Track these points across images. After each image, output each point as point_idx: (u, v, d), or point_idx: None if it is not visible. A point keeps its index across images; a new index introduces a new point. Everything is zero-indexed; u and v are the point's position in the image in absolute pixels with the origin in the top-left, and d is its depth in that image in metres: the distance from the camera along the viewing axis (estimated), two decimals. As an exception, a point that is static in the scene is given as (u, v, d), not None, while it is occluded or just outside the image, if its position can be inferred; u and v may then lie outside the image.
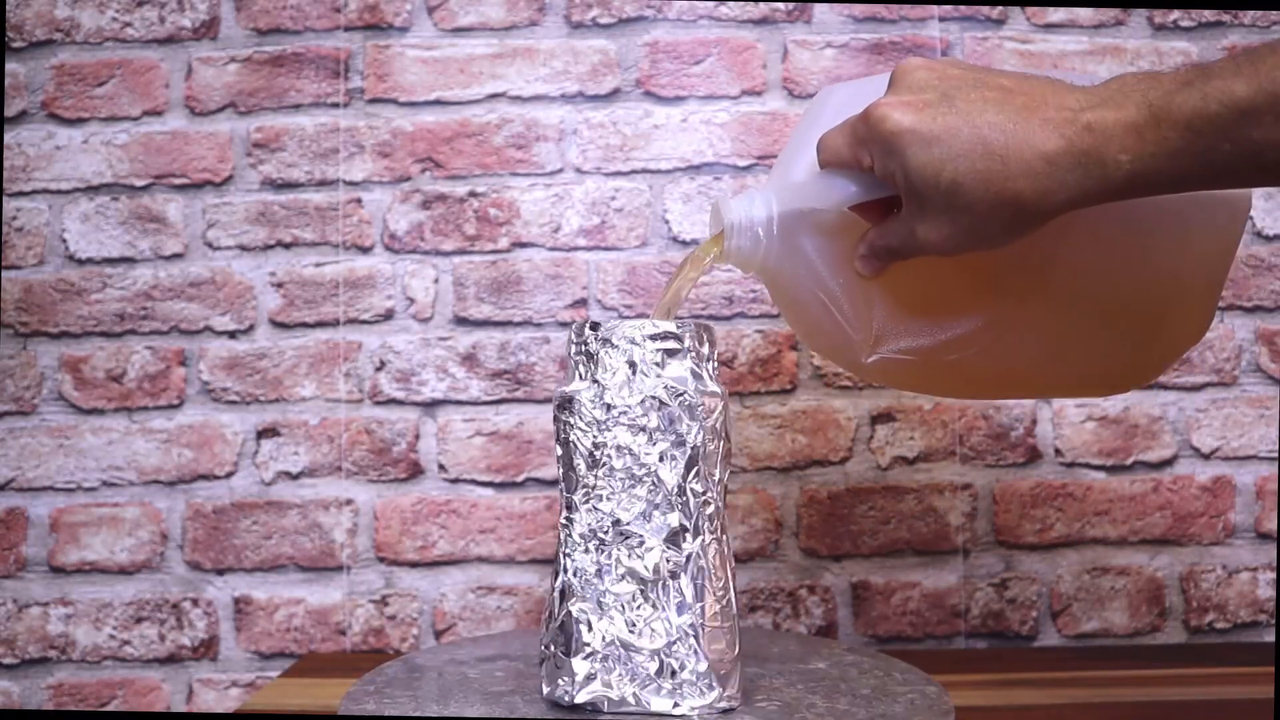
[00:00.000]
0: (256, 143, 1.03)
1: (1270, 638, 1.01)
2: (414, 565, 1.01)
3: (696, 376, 0.65)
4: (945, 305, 0.65)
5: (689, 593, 0.64)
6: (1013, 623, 1.01)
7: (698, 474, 0.64)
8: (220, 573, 1.01)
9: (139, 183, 1.03)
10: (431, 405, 1.02)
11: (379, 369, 1.02)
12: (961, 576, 1.01)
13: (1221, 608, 1.02)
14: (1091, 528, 1.02)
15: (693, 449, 0.64)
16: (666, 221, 1.03)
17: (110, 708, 1.00)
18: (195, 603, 1.01)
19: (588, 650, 0.64)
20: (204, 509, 1.01)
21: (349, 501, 1.02)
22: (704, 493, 0.65)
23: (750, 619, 1.01)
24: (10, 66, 1.03)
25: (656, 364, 0.65)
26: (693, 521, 0.64)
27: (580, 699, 0.65)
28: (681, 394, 0.64)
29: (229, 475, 1.02)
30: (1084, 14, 1.03)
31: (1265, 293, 1.03)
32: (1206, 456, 1.02)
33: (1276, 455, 1.02)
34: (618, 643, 0.64)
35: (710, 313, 1.02)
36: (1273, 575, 1.02)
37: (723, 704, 0.65)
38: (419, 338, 1.02)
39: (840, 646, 0.84)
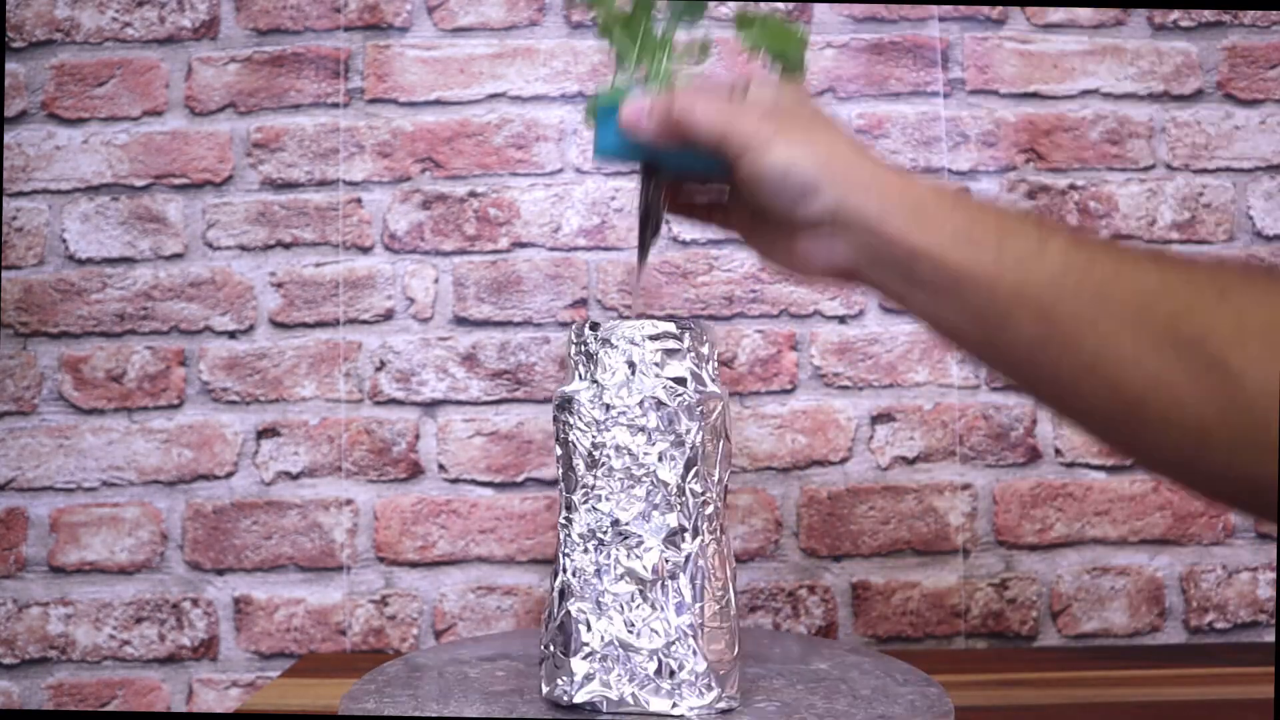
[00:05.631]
0: (256, 143, 1.03)
1: (1270, 638, 1.01)
2: (414, 565, 1.01)
3: (696, 377, 0.65)
4: None
5: (688, 593, 0.64)
6: (1013, 623, 1.01)
7: (697, 474, 0.64)
8: (220, 573, 1.01)
9: (139, 183, 1.03)
10: (431, 405, 1.02)
11: (379, 369, 1.02)
12: (961, 576, 1.01)
13: (1221, 608, 1.02)
14: (1091, 528, 1.02)
15: (692, 449, 0.64)
16: (667, 221, 1.02)
17: (110, 708, 1.00)
18: (195, 603, 1.01)
19: (586, 650, 0.64)
20: (204, 509, 1.02)
21: (349, 501, 1.02)
22: (703, 493, 0.65)
23: (750, 619, 1.01)
24: (10, 66, 1.03)
25: (656, 364, 0.65)
26: (691, 522, 0.64)
27: (579, 699, 0.65)
28: (680, 394, 0.64)
29: (229, 475, 1.02)
30: (1084, 14, 1.03)
31: (1265, 293, 1.03)
32: (1207, 456, 1.02)
33: (1276, 455, 1.02)
34: (616, 643, 0.64)
35: (710, 313, 1.02)
36: (1273, 575, 1.02)
37: (721, 704, 0.64)
38: (419, 338, 1.02)
39: (840, 647, 0.84)
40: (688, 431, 0.64)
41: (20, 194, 1.02)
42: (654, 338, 0.65)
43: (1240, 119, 1.03)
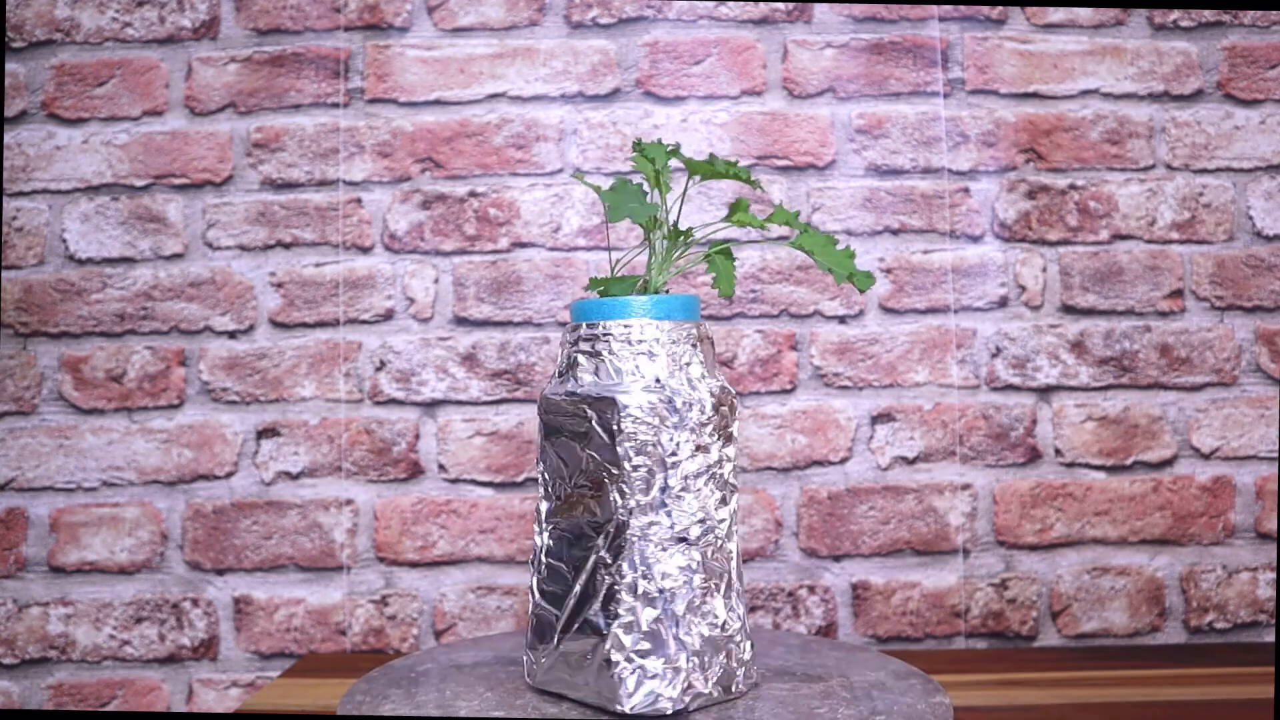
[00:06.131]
0: (256, 143, 1.03)
1: (1270, 638, 1.01)
2: (414, 565, 1.01)
3: (691, 376, 0.65)
4: None
5: (685, 593, 0.64)
6: (1013, 623, 1.01)
7: (695, 474, 0.64)
8: (220, 573, 1.01)
9: (139, 183, 1.03)
10: (431, 405, 1.02)
11: (379, 369, 1.02)
12: (961, 576, 1.01)
13: (1221, 608, 1.02)
14: (1091, 528, 1.02)
15: (687, 449, 0.64)
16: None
17: (110, 708, 1.00)
18: (195, 603, 1.01)
19: (559, 640, 0.65)
20: (204, 509, 1.02)
21: (349, 501, 1.02)
22: (701, 493, 0.65)
23: (750, 619, 1.01)
24: (10, 66, 1.03)
25: (646, 366, 0.65)
26: (689, 522, 0.64)
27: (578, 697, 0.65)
28: (677, 394, 0.64)
29: (229, 475, 1.02)
30: (1084, 14, 1.03)
31: (1265, 293, 1.03)
32: (1206, 456, 1.02)
33: (1276, 455, 1.02)
34: (611, 638, 0.64)
35: (710, 313, 1.02)
36: (1273, 575, 1.02)
37: (719, 701, 0.65)
38: (419, 338, 1.02)
39: (840, 647, 0.84)
40: (684, 431, 0.64)
41: (20, 194, 1.02)
42: (643, 340, 0.65)
43: (1240, 119, 1.03)
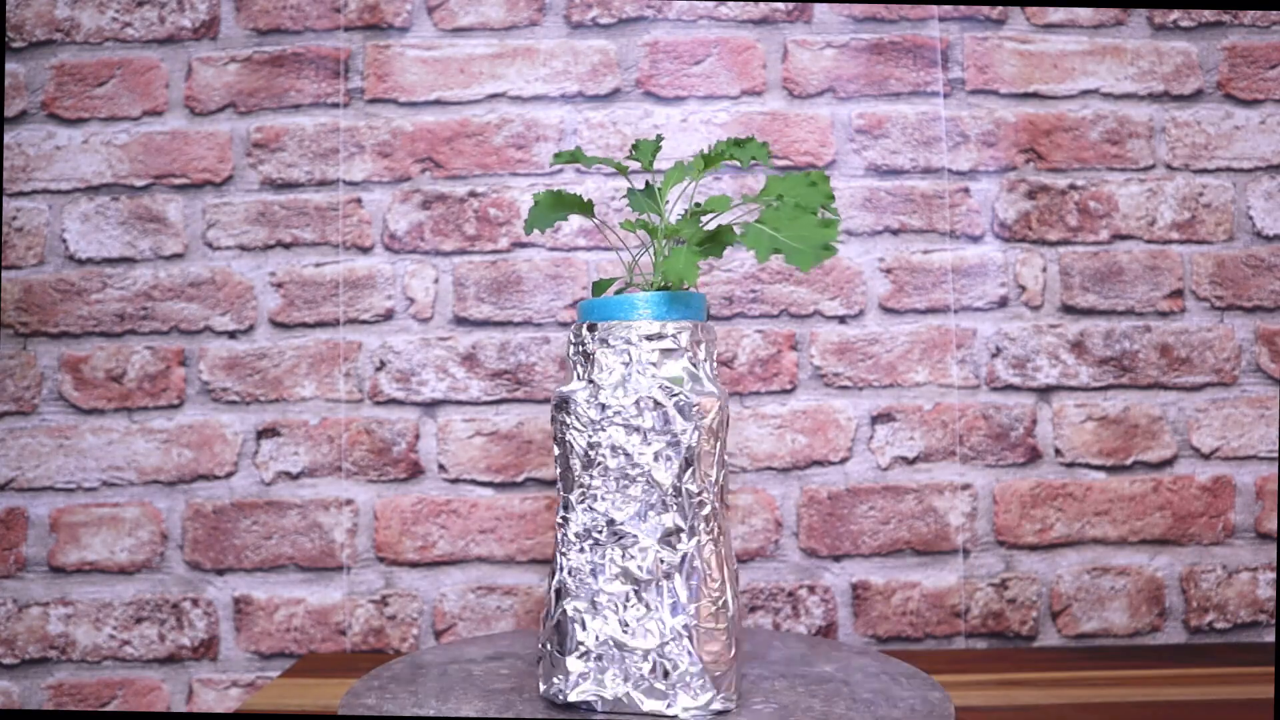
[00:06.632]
0: (256, 143, 1.03)
1: (1270, 638, 1.01)
2: (414, 565, 1.01)
3: (693, 377, 0.65)
4: None
5: (683, 594, 0.64)
6: (1013, 623, 1.01)
7: (693, 474, 0.64)
8: (220, 573, 1.01)
9: (139, 183, 1.03)
10: (431, 405, 1.02)
11: (379, 369, 1.02)
12: (961, 576, 1.01)
13: (1221, 608, 1.02)
14: (1091, 528, 1.02)
15: (688, 449, 0.64)
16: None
17: (110, 708, 1.01)
18: (195, 603, 1.01)
19: (582, 649, 0.64)
20: (204, 509, 1.02)
21: (349, 501, 1.02)
22: (699, 493, 0.65)
23: (750, 619, 1.01)
24: (10, 66, 1.03)
25: (653, 364, 0.65)
26: (688, 522, 0.64)
27: (573, 698, 0.65)
28: (677, 394, 0.64)
29: (229, 475, 1.02)
30: (1084, 14, 1.03)
31: (1265, 293, 1.03)
32: (1206, 456, 1.02)
33: (1276, 455, 1.02)
34: (611, 642, 0.64)
35: (710, 313, 1.02)
36: (1273, 575, 1.01)
37: (717, 705, 0.64)
38: (419, 338, 1.02)
39: (840, 647, 0.84)
40: (683, 431, 0.64)
41: (20, 194, 1.02)
42: (650, 338, 0.65)
43: (1240, 119, 1.03)
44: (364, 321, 1.02)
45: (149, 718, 1.00)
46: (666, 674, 0.63)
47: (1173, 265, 1.03)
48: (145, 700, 1.01)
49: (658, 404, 0.64)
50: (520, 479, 1.02)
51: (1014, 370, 1.02)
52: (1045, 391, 1.02)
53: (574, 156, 0.71)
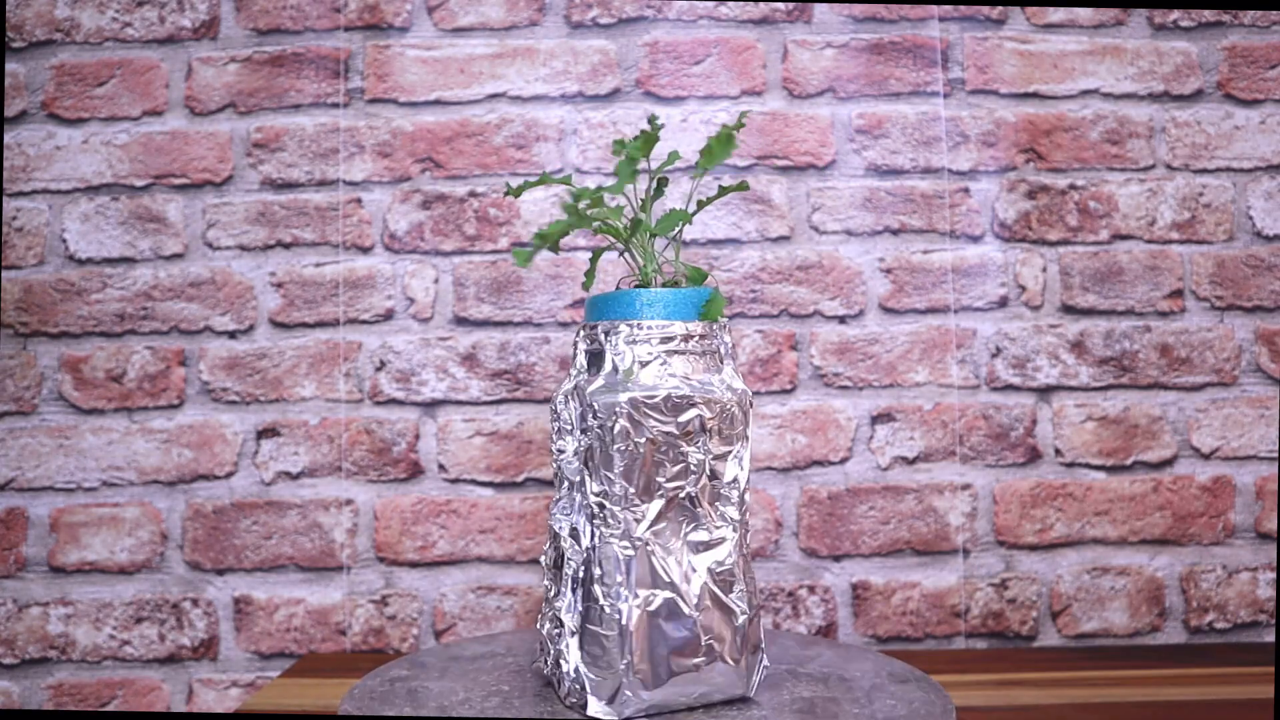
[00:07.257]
0: (256, 143, 1.03)
1: (1270, 638, 1.01)
2: (414, 565, 1.01)
3: (701, 375, 0.65)
4: None
5: (682, 592, 0.64)
6: (1013, 623, 1.01)
7: (709, 475, 0.64)
8: (220, 573, 1.01)
9: (139, 183, 1.03)
10: (431, 405, 1.02)
11: (379, 369, 1.02)
12: (961, 576, 1.01)
13: (1221, 608, 1.02)
14: (1091, 528, 1.02)
15: (688, 448, 0.64)
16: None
17: (110, 708, 1.00)
18: (195, 603, 1.01)
19: (574, 641, 0.65)
20: (204, 509, 1.02)
21: (349, 501, 1.02)
22: (699, 493, 0.65)
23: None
24: (10, 66, 1.03)
25: (658, 363, 0.65)
26: (687, 522, 0.64)
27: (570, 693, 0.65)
28: (677, 393, 0.64)
29: (229, 475, 1.02)
30: (1084, 14, 1.03)
31: (1265, 293, 1.03)
32: (1206, 456, 1.02)
33: (1276, 455, 1.02)
34: (604, 636, 0.64)
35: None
36: (1273, 575, 1.02)
37: (722, 701, 0.65)
38: (419, 338, 1.02)
39: (840, 647, 0.84)
40: (683, 431, 0.64)
41: (20, 194, 1.02)
42: (658, 338, 0.65)
43: (1240, 119, 1.03)
44: (364, 321, 1.02)
45: (149, 718, 1.00)
46: (666, 673, 0.63)
47: (1173, 265, 1.03)
48: (145, 700, 1.01)
49: (657, 403, 0.64)
50: (520, 479, 1.02)
51: (1014, 370, 1.02)
52: (1045, 391, 1.02)
53: (543, 180, 0.70)
